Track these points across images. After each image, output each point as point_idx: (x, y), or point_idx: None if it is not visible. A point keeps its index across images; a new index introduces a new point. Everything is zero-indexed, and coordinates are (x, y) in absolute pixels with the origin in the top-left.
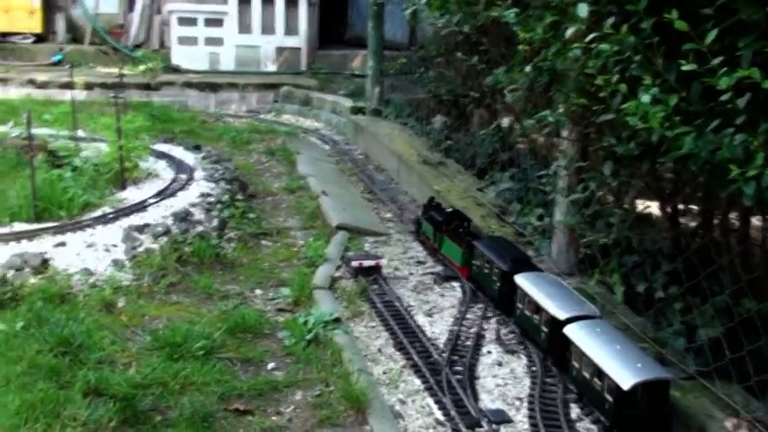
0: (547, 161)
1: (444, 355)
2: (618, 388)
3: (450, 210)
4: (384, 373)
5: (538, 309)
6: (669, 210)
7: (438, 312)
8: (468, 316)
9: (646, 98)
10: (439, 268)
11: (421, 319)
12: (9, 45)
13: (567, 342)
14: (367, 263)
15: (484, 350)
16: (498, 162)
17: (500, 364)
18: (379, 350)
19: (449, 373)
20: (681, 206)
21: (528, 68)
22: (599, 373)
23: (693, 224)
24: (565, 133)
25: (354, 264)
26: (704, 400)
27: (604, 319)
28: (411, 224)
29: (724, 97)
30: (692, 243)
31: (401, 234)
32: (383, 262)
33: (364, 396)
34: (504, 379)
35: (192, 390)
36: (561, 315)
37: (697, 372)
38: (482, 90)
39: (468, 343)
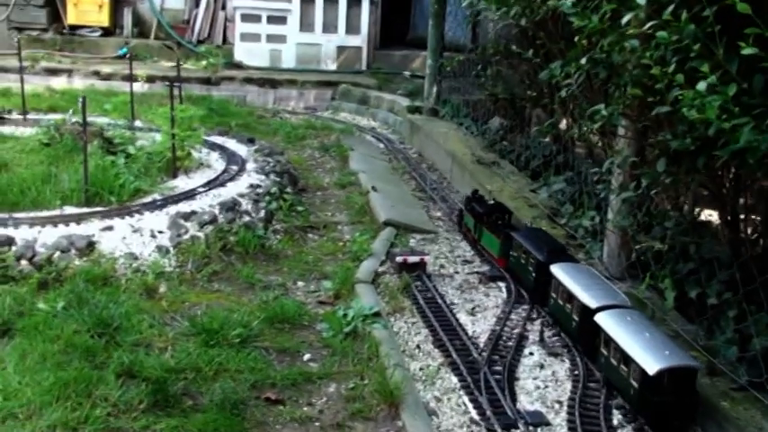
0: (602, 164)
1: (484, 354)
2: (644, 373)
3: (492, 202)
4: (421, 369)
5: (570, 297)
6: (728, 215)
7: (481, 311)
8: (511, 316)
9: (702, 86)
10: (485, 268)
11: (463, 318)
12: (77, 38)
13: (597, 330)
14: (411, 259)
15: (526, 351)
16: (553, 165)
17: (542, 367)
18: (418, 346)
19: (487, 373)
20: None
21: (583, 61)
22: (626, 358)
23: (752, 231)
24: (621, 131)
25: (399, 259)
26: (755, 411)
27: (637, 310)
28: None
29: None
30: (751, 250)
31: (449, 233)
32: (428, 259)
33: (398, 391)
34: (544, 381)
35: (226, 377)
36: (593, 304)
37: (748, 382)
38: (539, 89)
39: (510, 343)
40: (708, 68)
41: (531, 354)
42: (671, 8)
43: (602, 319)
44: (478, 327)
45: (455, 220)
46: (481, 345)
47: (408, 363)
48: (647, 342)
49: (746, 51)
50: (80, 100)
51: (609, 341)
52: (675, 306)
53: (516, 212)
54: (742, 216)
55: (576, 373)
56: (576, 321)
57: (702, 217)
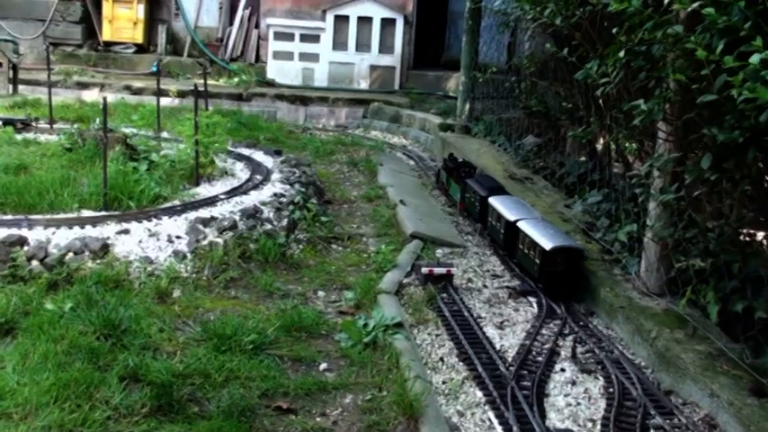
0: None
1: (512, 368)
2: (542, 250)
3: (460, 160)
4: (444, 382)
5: (500, 217)
6: None
7: (510, 326)
8: (542, 331)
9: (756, 59)
10: (515, 282)
11: (490, 331)
12: (112, 54)
13: (517, 233)
14: (437, 270)
15: (557, 367)
16: (588, 181)
17: (573, 383)
18: (442, 359)
19: (515, 388)
20: None
21: (621, 53)
22: (532, 244)
23: None
24: (661, 134)
25: (424, 270)
26: None
27: (546, 220)
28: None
29: None
30: None
31: (479, 247)
32: (454, 270)
33: (418, 403)
34: (576, 399)
35: (235, 383)
36: (512, 218)
37: None
38: (575, 101)
39: (540, 359)
40: (761, 43)
41: (563, 370)
42: None
43: (520, 224)
44: (507, 341)
45: (485, 235)
46: (509, 359)
47: (431, 375)
48: (548, 234)
49: None
50: (101, 104)
51: (524, 238)
52: (719, 322)
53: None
54: None
55: (611, 390)
56: (503, 233)
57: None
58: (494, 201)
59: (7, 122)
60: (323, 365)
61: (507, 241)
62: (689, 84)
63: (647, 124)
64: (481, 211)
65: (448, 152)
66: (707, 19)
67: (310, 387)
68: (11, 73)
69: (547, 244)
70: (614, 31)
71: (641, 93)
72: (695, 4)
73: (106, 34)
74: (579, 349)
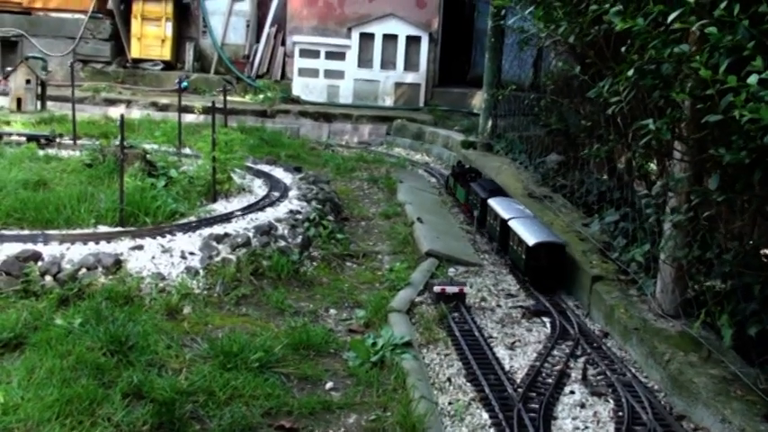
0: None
1: (520, 390)
2: (527, 246)
3: (467, 167)
4: (450, 403)
5: (496, 216)
6: None
7: (521, 346)
8: (554, 352)
9: (753, 79)
10: (530, 302)
11: (501, 352)
12: (140, 71)
13: (509, 231)
14: (450, 289)
15: (566, 389)
16: (608, 200)
17: (582, 406)
18: (449, 379)
19: (521, 410)
20: None
21: (630, 72)
22: (520, 240)
23: None
24: (677, 154)
25: (436, 289)
26: None
27: (537, 219)
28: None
29: None
30: None
31: (495, 266)
32: (467, 289)
33: (421, 425)
34: (584, 422)
35: (239, 402)
36: (506, 216)
37: None
38: (595, 118)
39: (550, 380)
40: (761, 63)
41: (572, 392)
42: (724, 4)
43: (511, 223)
44: (516, 362)
45: (502, 254)
46: (518, 380)
47: (437, 396)
48: (535, 231)
49: None
50: (118, 120)
51: (514, 235)
52: (734, 346)
53: (568, 246)
54: None
55: (621, 414)
56: (498, 230)
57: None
58: (492, 202)
59: (31, 138)
60: (329, 384)
61: (502, 238)
62: (694, 104)
63: (663, 143)
64: (481, 211)
65: None
66: (711, 38)
67: (314, 406)
68: (39, 89)
69: (530, 240)
70: (623, 49)
71: (658, 112)
72: (698, 24)
73: (135, 51)
74: (590, 371)
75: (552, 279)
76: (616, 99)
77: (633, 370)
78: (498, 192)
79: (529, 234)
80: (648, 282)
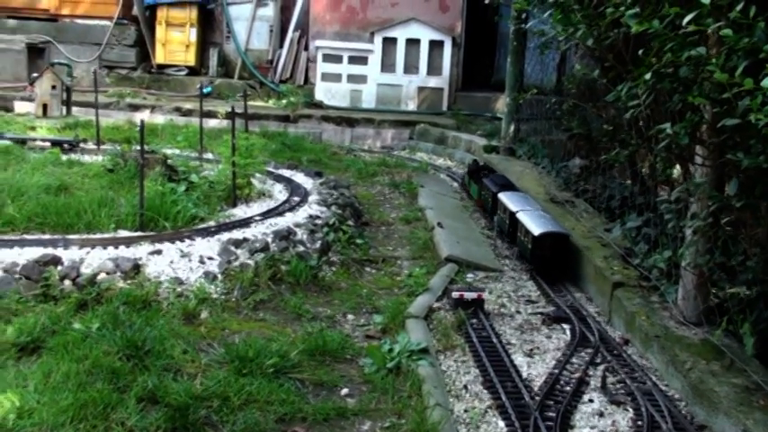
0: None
1: (537, 398)
2: (533, 236)
3: (481, 164)
4: (465, 411)
5: (506, 209)
6: None
7: (540, 354)
8: (572, 360)
9: (767, 82)
10: (550, 308)
11: (519, 359)
12: (164, 77)
13: (517, 222)
14: (468, 295)
15: (585, 398)
16: (630, 205)
17: (601, 415)
18: (465, 387)
19: (538, 418)
20: None
21: (647, 76)
22: (526, 231)
23: None
24: (698, 159)
25: (455, 295)
26: None
27: (545, 212)
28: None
29: None
30: None
31: (515, 272)
32: (486, 295)
33: None
34: (602, 431)
35: (253, 407)
36: (515, 209)
37: None
38: (618, 122)
39: (568, 388)
40: None
41: (591, 401)
42: (740, 5)
43: (519, 215)
44: (535, 369)
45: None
46: (535, 388)
47: (453, 403)
48: (541, 222)
49: None
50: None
51: (521, 226)
52: (756, 354)
53: (588, 252)
54: None
55: (640, 423)
56: (508, 223)
57: None
58: (502, 196)
59: (55, 143)
60: (344, 390)
61: (511, 230)
62: (712, 107)
63: (683, 147)
64: (492, 205)
65: None
66: (727, 41)
67: (329, 412)
68: (64, 95)
69: (536, 230)
70: (640, 52)
71: (679, 116)
72: (715, 26)
73: (159, 57)
74: (610, 379)
75: (557, 267)
76: (635, 103)
77: (654, 378)
78: (508, 186)
79: (535, 225)
80: (670, 288)
